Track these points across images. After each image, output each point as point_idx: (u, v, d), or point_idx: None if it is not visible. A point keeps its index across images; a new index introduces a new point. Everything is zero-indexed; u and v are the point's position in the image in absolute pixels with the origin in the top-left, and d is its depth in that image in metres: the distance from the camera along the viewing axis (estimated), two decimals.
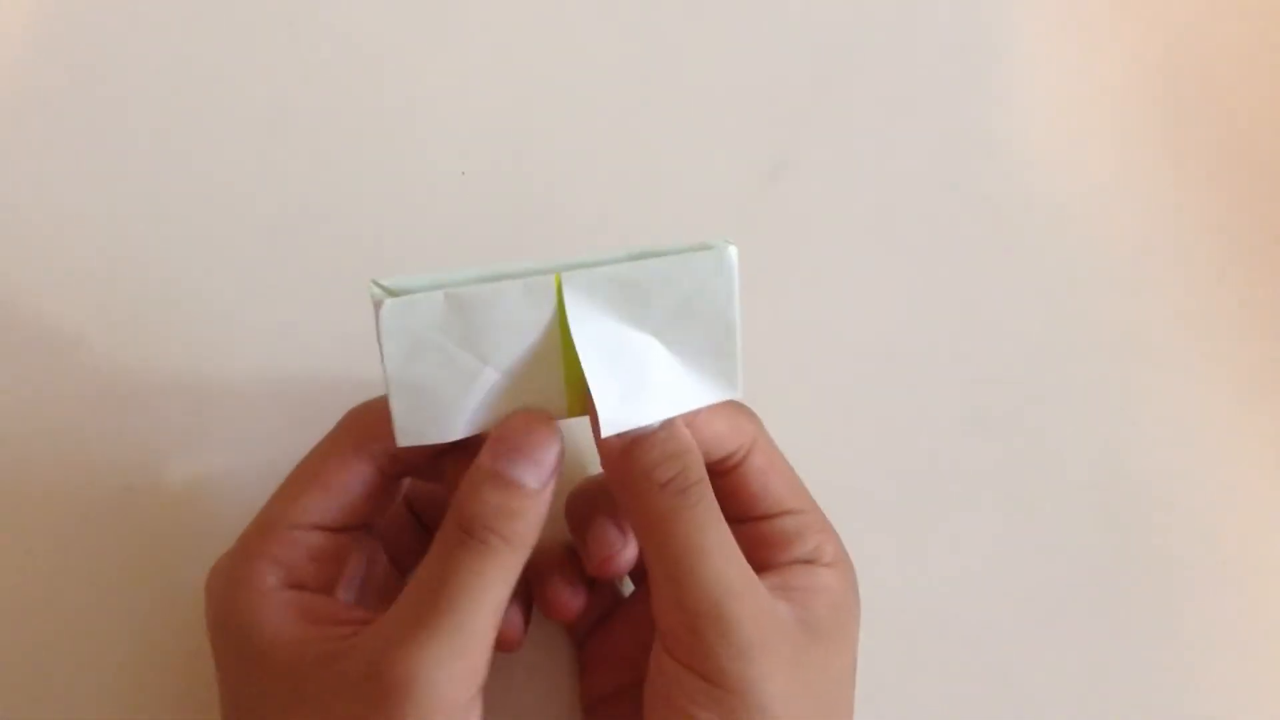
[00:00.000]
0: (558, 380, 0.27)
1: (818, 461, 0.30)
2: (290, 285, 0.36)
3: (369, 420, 0.28)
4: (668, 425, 0.27)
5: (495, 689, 0.26)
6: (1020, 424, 0.37)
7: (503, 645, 0.28)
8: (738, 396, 0.27)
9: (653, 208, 0.38)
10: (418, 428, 0.26)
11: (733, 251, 0.27)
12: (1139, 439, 0.37)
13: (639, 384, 0.26)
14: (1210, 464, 0.37)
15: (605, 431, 0.26)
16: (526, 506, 0.26)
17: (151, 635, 0.33)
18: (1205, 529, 0.36)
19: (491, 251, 0.36)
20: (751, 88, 0.39)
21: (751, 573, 0.26)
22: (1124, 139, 0.40)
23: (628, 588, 0.33)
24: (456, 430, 0.26)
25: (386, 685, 0.24)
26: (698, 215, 0.38)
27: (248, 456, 0.34)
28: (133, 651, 0.33)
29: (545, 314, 0.26)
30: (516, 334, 0.26)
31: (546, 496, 0.26)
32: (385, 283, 0.25)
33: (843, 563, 0.29)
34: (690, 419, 0.28)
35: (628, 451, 0.26)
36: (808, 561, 0.28)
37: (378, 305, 0.25)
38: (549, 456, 0.26)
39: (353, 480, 0.28)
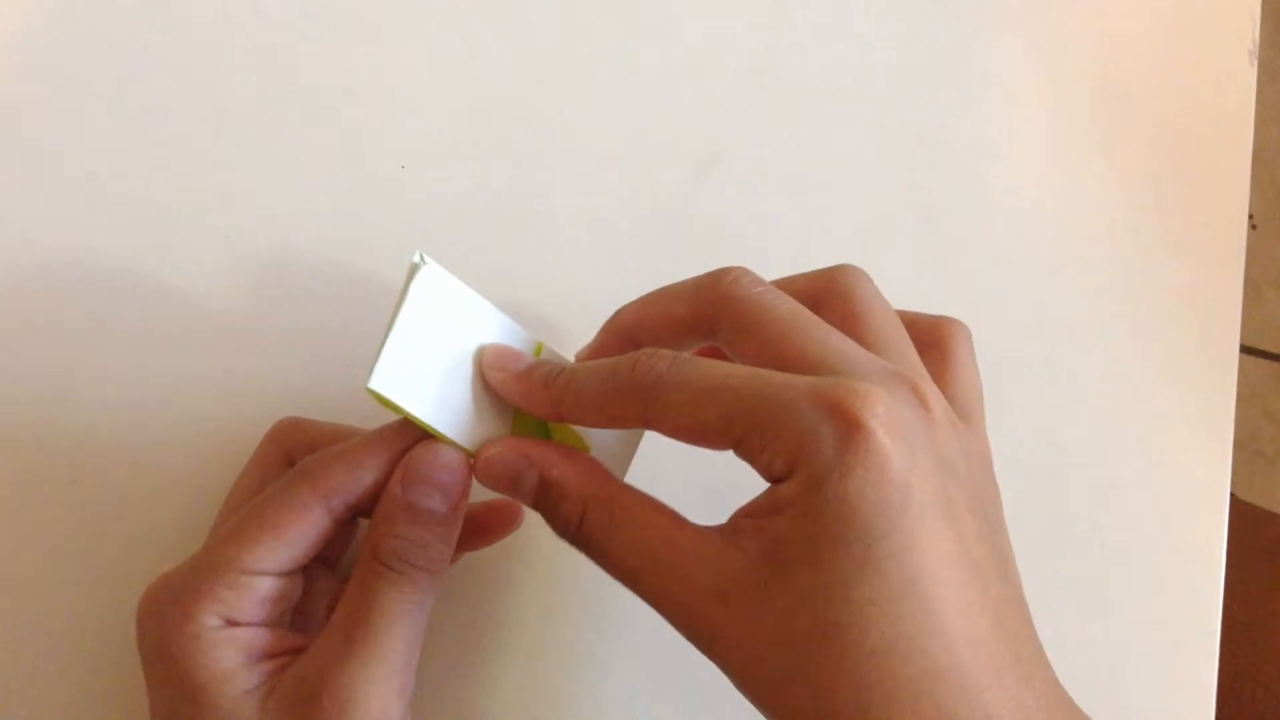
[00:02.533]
0: (505, 421, 0.29)
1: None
2: (231, 280, 0.36)
3: (327, 469, 0.28)
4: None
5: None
6: None
7: (506, 527, 0.32)
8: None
9: (591, 203, 0.38)
10: (393, 382, 0.27)
11: (429, 261, 0.29)
12: (1063, 417, 0.38)
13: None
14: (1131, 442, 0.38)
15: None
16: (437, 533, 0.28)
17: (95, 632, 0.33)
18: (1127, 505, 0.37)
19: (428, 246, 0.37)
20: (685, 87, 0.40)
21: (674, 533, 0.25)
22: (1055, 131, 0.41)
23: None
24: (419, 406, 0.28)
25: (322, 710, 0.26)
26: (634, 209, 0.38)
27: (195, 453, 0.34)
28: (75, 648, 0.33)
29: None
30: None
31: (457, 518, 0.28)
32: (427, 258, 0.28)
33: (809, 468, 0.23)
34: None
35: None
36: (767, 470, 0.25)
37: (416, 267, 0.28)
38: (455, 482, 0.28)
39: (309, 530, 0.28)
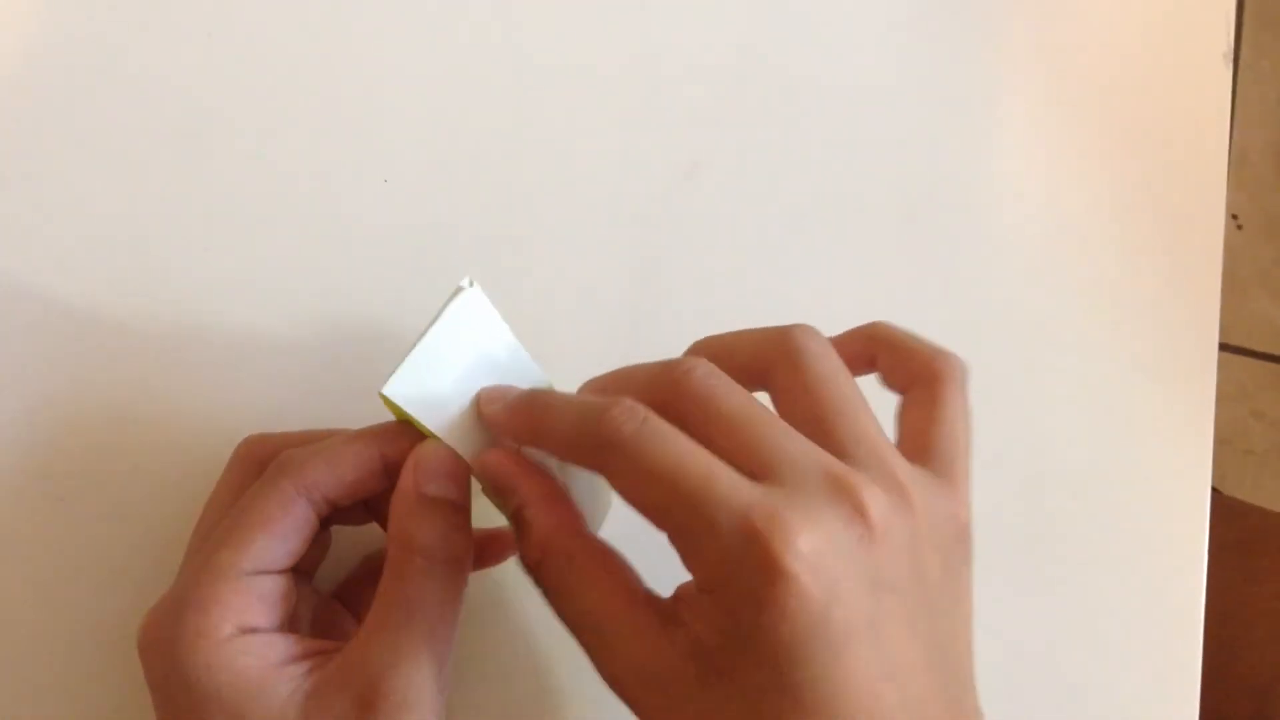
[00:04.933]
0: None
1: None
2: (211, 296, 0.36)
3: (308, 463, 0.29)
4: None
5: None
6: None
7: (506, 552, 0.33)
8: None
9: (577, 210, 0.38)
10: (409, 392, 0.28)
11: (474, 286, 0.30)
12: (1046, 417, 0.38)
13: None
14: (1114, 439, 0.38)
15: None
16: (457, 523, 0.28)
17: (80, 653, 0.33)
18: (1110, 501, 0.38)
19: (412, 261, 0.37)
20: (669, 94, 0.40)
21: (621, 606, 0.26)
22: (1034, 136, 0.41)
23: None
24: (429, 416, 0.29)
25: (385, 707, 0.26)
26: (620, 213, 0.39)
27: (181, 471, 0.34)
28: (59, 670, 0.33)
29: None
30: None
31: (469, 510, 0.29)
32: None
33: (726, 593, 0.24)
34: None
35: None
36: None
37: (461, 290, 0.29)
38: (464, 473, 0.29)
39: (296, 523, 0.28)
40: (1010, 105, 0.42)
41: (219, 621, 0.27)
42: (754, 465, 0.25)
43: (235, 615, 0.27)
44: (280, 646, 0.27)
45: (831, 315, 0.38)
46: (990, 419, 0.38)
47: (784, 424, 0.26)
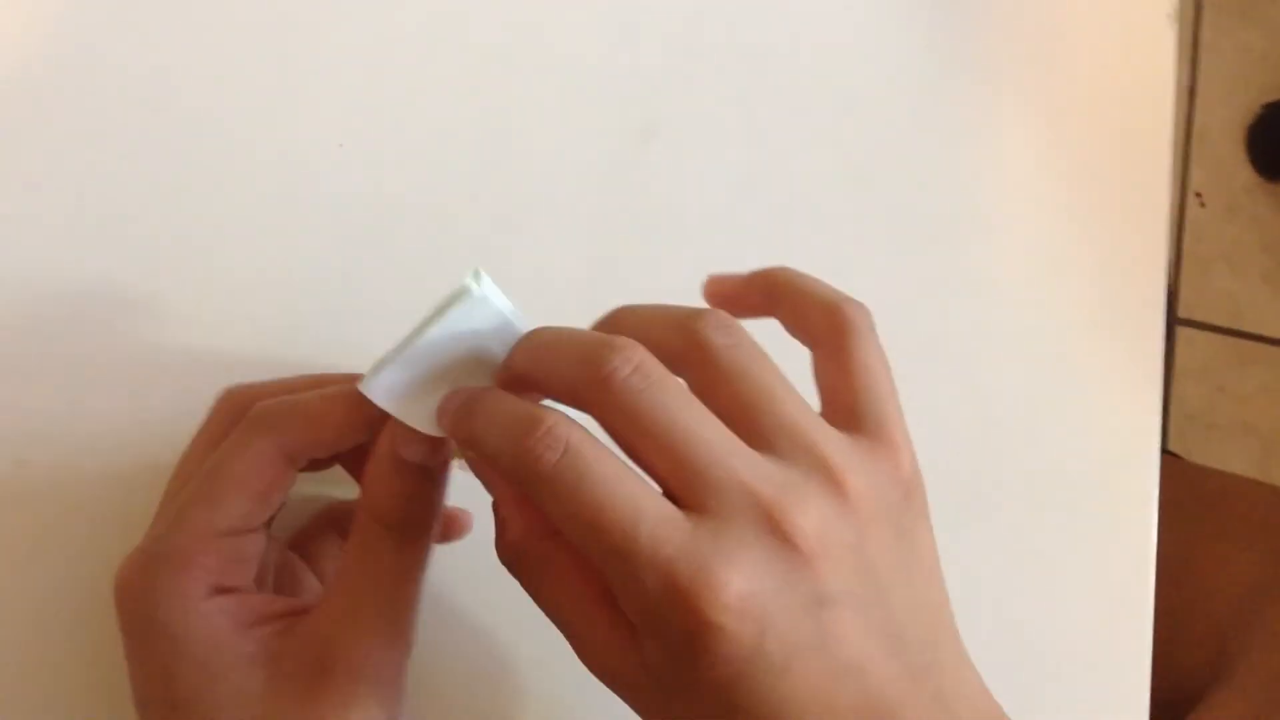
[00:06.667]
0: None
1: None
2: (172, 258, 0.36)
3: (287, 421, 0.28)
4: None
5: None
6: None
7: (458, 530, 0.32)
8: None
9: (528, 174, 0.39)
10: (391, 394, 0.27)
11: (483, 283, 0.27)
12: (999, 374, 0.39)
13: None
14: (1064, 394, 0.39)
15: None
16: (431, 490, 0.28)
17: (47, 620, 0.33)
18: (1060, 453, 0.39)
19: (368, 226, 0.37)
20: (619, 57, 0.40)
21: (593, 611, 0.26)
22: (982, 99, 0.42)
23: None
24: (418, 420, 0.27)
25: (337, 674, 0.26)
26: (572, 179, 0.39)
27: (146, 428, 0.35)
28: (26, 638, 0.33)
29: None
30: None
31: (446, 477, 0.28)
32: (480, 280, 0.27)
33: (659, 644, 0.25)
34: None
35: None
36: None
37: (467, 289, 0.27)
38: (445, 444, 0.28)
39: (273, 479, 0.28)
40: (957, 71, 0.42)
41: (196, 580, 0.27)
42: (681, 487, 0.25)
43: (211, 575, 0.27)
44: (252, 605, 0.28)
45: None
46: (940, 376, 0.39)
47: (710, 431, 0.25)
